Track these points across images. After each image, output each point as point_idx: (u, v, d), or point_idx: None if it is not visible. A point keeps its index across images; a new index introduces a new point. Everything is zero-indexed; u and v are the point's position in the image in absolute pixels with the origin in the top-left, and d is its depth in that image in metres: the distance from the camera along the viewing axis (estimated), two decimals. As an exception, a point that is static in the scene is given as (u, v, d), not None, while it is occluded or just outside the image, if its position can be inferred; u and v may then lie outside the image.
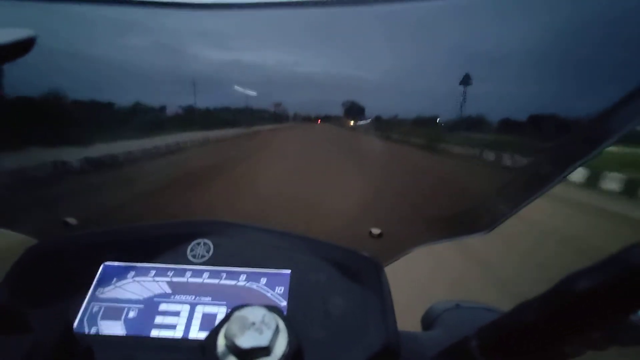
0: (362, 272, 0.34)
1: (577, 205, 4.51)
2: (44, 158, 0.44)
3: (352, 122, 0.41)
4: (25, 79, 0.37)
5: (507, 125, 0.36)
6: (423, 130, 0.42)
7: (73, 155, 0.45)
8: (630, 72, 0.27)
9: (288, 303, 0.32)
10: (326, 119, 0.42)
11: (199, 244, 0.36)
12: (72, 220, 0.43)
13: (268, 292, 0.33)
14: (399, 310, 0.31)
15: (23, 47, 0.23)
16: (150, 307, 0.32)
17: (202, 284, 0.33)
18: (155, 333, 0.30)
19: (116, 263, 0.35)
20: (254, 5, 0.33)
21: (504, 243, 2.64)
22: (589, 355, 0.19)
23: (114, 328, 0.30)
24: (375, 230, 0.43)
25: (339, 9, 0.33)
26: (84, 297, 0.32)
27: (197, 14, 0.33)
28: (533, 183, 0.36)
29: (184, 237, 0.37)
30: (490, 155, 0.41)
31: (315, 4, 0.33)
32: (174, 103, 0.41)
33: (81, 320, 0.31)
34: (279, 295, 0.32)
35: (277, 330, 0.20)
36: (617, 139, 0.27)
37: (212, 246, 0.36)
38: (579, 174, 6.19)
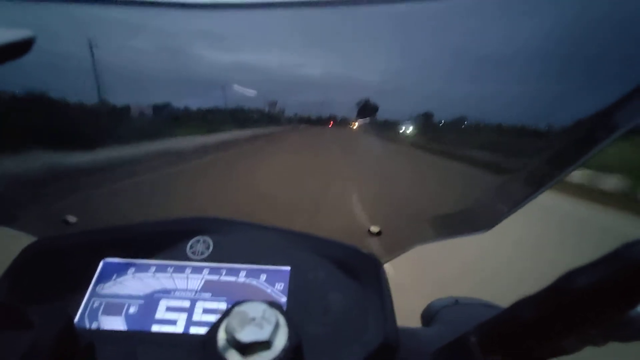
0: (362, 268, 0.34)
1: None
2: (46, 157, 0.44)
3: (357, 123, 0.41)
4: (26, 80, 0.37)
5: (507, 125, 0.37)
6: (425, 131, 0.42)
7: (75, 157, 0.45)
8: (630, 71, 0.27)
9: (288, 299, 0.32)
10: (337, 120, 0.42)
11: (198, 241, 0.36)
12: (71, 218, 0.43)
13: (268, 288, 0.33)
14: (398, 306, 0.31)
15: (21, 47, 0.23)
16: (150, 302, 0.32)
17: (202, 280, 0.33)
18: (156, 328, 0.30)
19: (116, 260, 0.35)
20: (258, 5, 0.32)
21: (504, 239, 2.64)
22: (586, 350, 0.20)
23: (114, 323, 0.30)
24: (374, 228, 0.43)
25: (345, 9, 0.33)
26: (85, 293, 0.32)
27: (200, 14, 0.33)
28: (533, 181, 0.36)
29: (183, 234, 0.37)
30: (490, 155, 0.41)
31: (320, 4, 0.32)
32: (179, 106, 0.41)
33: (82, 315, 0.31)
34: (278, 292, 0.32)
35: (277, 325, 0.20)
36: (616, 137, 0.27)
37: (211, 243, 0.36)
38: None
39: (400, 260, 0.42)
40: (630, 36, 0.27)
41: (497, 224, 0.37)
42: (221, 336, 0.20)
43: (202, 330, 0.30)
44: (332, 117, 0.42)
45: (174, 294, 0.32)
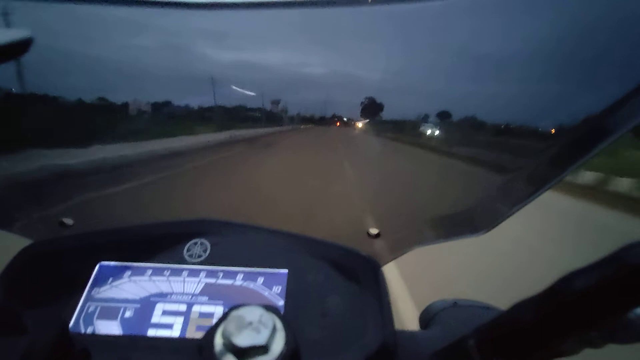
0: (360, 271, 0.34)
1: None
2: (42, 159, 0.44)
3: (358, 123, 0.41)
4: (26, 78, 0.37)
5: (507, 125, 0.37)
6: (426, 130, 0.42)
7: (72, 156, 0.45)
8: (631, 71, 0.27)
9: (285, 302, 0.32)
10: (339, 120, 0.42)
11: (195, 243, 0.36)
12: (68, 221, 0.43)
13: (265, 291, 0.32)
14: (396, 309, 0.31)
15: (19, 48, 0.22)
16: (146, 306, 0.31)
17: (199, 284, 0.33)
18: (152, 332, 0.30)
19: (112, 263, 0.34)
20: (261, 4, 0.32)
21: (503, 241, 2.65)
22: (585, 352, 0.20)
23: (110, 328, 0.30)
24: (373, 230, 0.43)
25: (347, 9, 0.33)
26: (80, 297, 0.32)
27: (203, 13, 0.33)
28: (532, 183, 0.36)
29: (180, 237, 0.37)
30: (491, 155, 0.41)
31: (322, 3, 0.33)
32: (180, 104, 0.41)
33: (77, 320, 0.30)
34: (276, 295, 0.32)
35: (274, 330, 0.20)
36: (616, 137, 0.27)
37: (209, 246, 0.36)
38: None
39: (399, 261, 0.42)
40: (630, 36, 0.27)
41: (497, 225, 0.37)
42: (218, 341, 0.20)
43: (198, 335, 0.30)
44: (334, 117, 0.42)
45: (171, 298, 0.32)
